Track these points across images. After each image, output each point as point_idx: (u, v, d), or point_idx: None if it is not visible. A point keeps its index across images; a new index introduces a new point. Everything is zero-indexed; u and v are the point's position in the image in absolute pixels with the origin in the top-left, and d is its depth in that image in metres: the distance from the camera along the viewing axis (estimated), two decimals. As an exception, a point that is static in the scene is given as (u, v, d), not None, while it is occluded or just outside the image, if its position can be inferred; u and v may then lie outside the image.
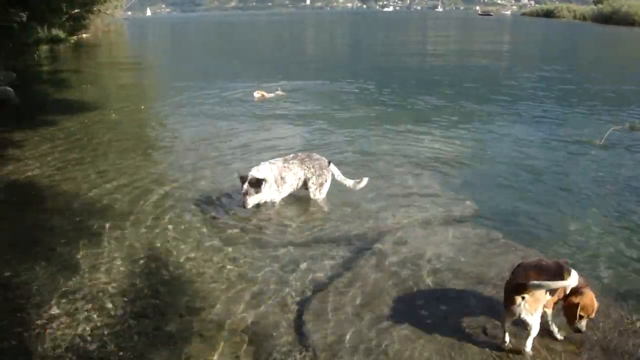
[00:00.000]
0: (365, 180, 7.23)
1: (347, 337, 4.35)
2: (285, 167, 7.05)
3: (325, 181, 7.19)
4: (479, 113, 13.19)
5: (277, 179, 6.92)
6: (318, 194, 7.19)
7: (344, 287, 5.10)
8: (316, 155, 7.31)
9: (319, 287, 5.12)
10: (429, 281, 5.17)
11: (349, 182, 7.28)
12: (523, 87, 17.49)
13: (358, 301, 4.86)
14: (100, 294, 5.01)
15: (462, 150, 9.70)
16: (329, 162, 7.26)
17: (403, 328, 4.43)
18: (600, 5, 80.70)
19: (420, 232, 6.28)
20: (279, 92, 15.50)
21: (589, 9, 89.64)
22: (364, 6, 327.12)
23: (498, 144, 10.18)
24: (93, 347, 4.23)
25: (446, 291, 4.99)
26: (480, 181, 8.10)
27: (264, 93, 15.01)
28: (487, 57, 29.04)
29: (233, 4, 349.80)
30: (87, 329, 4.46)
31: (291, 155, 7.32)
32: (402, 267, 5.44)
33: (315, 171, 7.12)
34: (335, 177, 7.29)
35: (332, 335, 4.37)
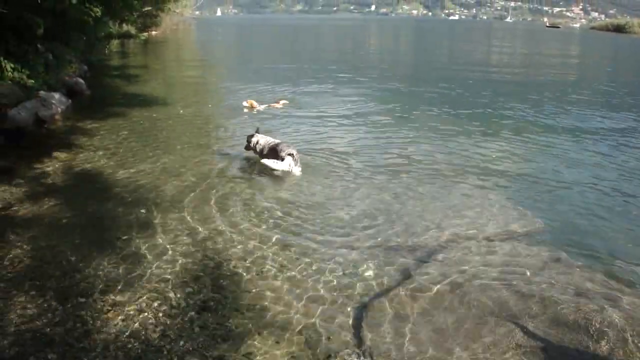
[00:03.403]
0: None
1: (405, 346, 4.29)
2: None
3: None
4: (545, 125, 12.81)
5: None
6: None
7: (404, 296, 5.03)
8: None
9: (379, 294, 5.08)
10: (489, 298, 5.02)
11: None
12: (591, 101, 16.89)
13: (417, 312, 4.79)
14: (163, 284, 5.12)
15: (526, 163, 9.46)
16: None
17: (461, 343, 4.34)
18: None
19: (482, 247, 6.12)
20: (274, 104, 14.45)
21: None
22: (429, 13, 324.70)
23: (563, 158, 9.85)
24: (155, 335, 4.33)
25: (507, 311, 4.83)
26: (544, 197, 7.85)
27: (254, 102, 14.24)
28: (555, 70, 28.27)
29: (299, 7, 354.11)
30: (150, 317, 4.57)
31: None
32: (463, 281, 5.32)
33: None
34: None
35: (390, 343, 4.33)
